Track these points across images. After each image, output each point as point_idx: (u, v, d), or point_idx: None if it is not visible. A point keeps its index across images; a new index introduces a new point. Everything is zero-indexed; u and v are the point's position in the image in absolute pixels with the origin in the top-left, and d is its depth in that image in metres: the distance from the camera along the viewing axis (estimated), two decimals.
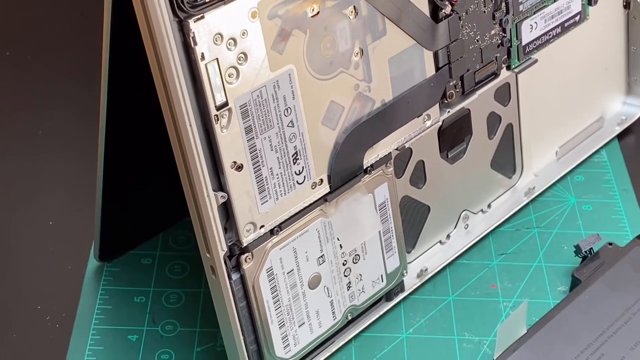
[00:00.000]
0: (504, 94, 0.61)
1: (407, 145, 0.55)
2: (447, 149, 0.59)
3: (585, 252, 0.59)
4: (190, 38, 0.42)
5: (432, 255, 0.61)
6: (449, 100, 0.57)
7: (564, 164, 0.69)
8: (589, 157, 0.70)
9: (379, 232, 0.55)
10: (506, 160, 0.64)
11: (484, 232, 0.63)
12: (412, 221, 0.59)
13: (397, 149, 0.55)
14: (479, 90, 0.58)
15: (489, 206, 0.64)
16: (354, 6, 0.49)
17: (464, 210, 0.63)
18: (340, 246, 0.54)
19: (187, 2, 0.42)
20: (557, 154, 0.68)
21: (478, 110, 0.60)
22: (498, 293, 0.60)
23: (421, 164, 0.58)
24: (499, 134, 0.62)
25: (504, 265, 0.62)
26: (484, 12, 0.56)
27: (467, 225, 0.63)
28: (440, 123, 0.57)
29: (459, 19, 0.55)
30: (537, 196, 0.66)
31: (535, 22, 0.60)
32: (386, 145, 0.54)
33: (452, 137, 0.59)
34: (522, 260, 0.62)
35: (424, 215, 0.60)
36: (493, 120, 0.62)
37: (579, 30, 0.64)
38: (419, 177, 0.58)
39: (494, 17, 0.57)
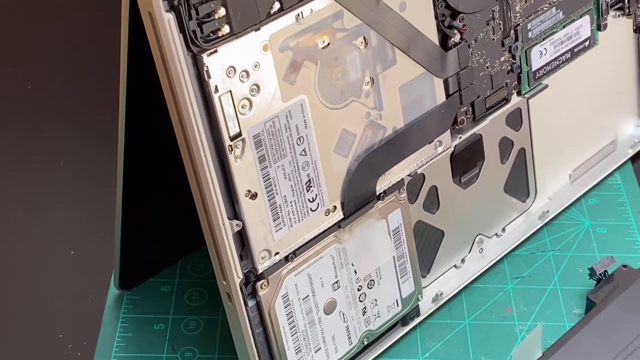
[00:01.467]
0: (515, 119, 0.62)
1: (419, 171, 0.56)
2: (459, 174, 0.60)
3: (600, 274, 0.60)
4: (204, 71, 0.43)
5: (447, 280, 0.62)
6: (460, 126, 0.57)
7: (577, 187, 0.69)
8: (603, 180, 0.70)
9: (393, 257, 0.56)
10: (519, 184, 0.65)
11: (498, 256, 0.64)
12: (426, 246, 0.60)
13: (409, 175, 0.55)
14: (490, 116, 0.59)
15: (503, 230, 0.65)
16: (364, 37, 0.50)
17: (478, 235, 0.63)
18: (355, 272, 0.54)
19: (201, 37, 0.43)
20: (570, 177, 0.69)
21: (490, 135, 0.61)
22: (513, 316, 0.61)
23: (434, 189, 0.59)
24: (512, 159, 0.63)
25: (519, 288, 0.63)
26: (493, 39, 0.57)
27: (482, 249, 0.64)
28: (452, 149, 0.58)
29: (468, 46, 0.56)
30: (551, 219, 0.67)
31: (545, 48, 0.61)
32: (398, 172, 0.54)
33: (465, 162, 0.60)
34: (537, 284, 0.63)
35: (438, 239, 0.60)
36: (505, 145, 0.62)
37: (589, 55, 0.65)
38: (433, 202, 0.59)
39: (503, 44, 0.58)
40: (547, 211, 0.67)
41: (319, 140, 0.49)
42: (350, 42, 0.49)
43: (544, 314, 0.61)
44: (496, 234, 0.64)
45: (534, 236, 0.66)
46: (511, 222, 0.65)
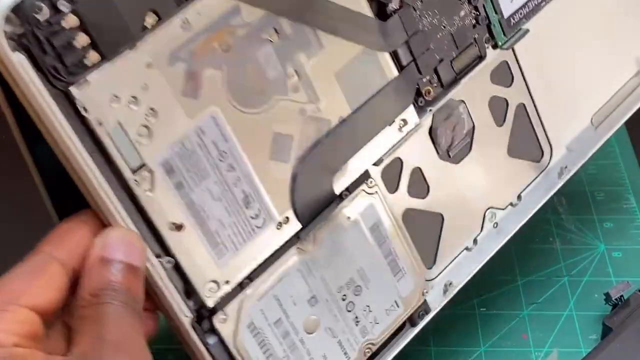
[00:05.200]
0: (504, 75, 0.55)
1: (393, 157, 0.50)
2: (446, 148, 0.53)
3: (616, 299, 0.60)
4: (80, 107, 0.39)
5: (460, 266, 0.55)
6: (427, 97, 0.51)
7: (603, 130, 0.61)
8: (618, 204, 0.69)
9: (378, 255, 0.51)
10: (528, 143, 0.58)
11: (517, 227, 0.57)
12: (424, 235, 0.54)
13: (374, 164, 0.50)
14: (463, 79, 0.53)
15: (518, 198, 0.58)
16: (274, 28, 0.44)
17: (488, 209, 0.56)
18: (333, 281, 0.49)
19: (64, 71, 0.38)
20: (592, 121, 0.61)
21: (474, 98, 0.54)
22: (529, 343, 0.60)
23: (418, 172, 0.53)
24: (510, 118, 0.56)
25: (534, 314, 0.62)
26: None
27: (496, 224, 0.57)
28: (427, 125, 0.52)
29: (414, 9, 0.49)
30: (566, 243, 0.67)
31: None
32: (359, 164, 0.49)
33: (449, 134, 0.53)
34: (552, 309, 0.62)
35: (437, 225, 0.54)
36: (498, 105, 0.55)
37: None
38: (420, 186, 0.53)
39: None
40: (565, 167, 0.59)
41: (247, 152, 0.44)
42: (258, 37, 0.44)
43: (560, 340, 0.60)
44: (511, 204, 0.57)
45: (549, 261, 0.66)
46: (526, 187, 0.58)
